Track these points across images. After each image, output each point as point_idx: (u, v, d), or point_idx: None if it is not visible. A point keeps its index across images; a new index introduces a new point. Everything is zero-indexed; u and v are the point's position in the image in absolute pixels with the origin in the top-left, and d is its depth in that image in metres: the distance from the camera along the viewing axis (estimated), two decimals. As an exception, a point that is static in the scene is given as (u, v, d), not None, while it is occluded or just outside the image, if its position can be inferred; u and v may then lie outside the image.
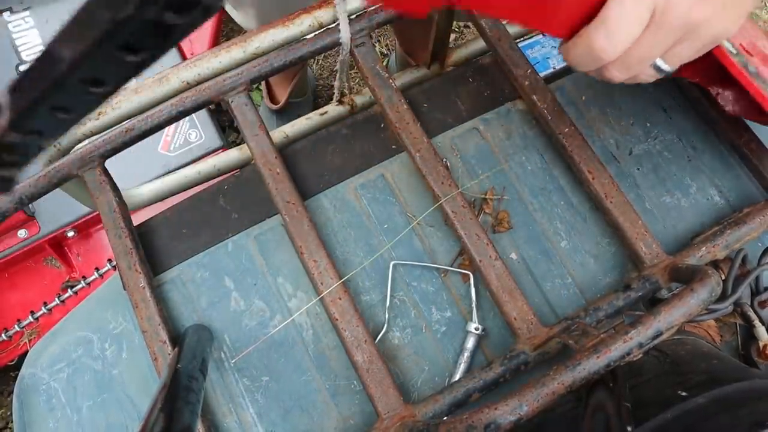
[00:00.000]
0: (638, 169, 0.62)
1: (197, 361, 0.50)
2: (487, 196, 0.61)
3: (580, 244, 0.60)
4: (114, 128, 0.58)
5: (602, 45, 0.37)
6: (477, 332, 0.56)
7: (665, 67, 0.40)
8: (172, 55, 1.15)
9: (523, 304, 0.53)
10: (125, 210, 0.59)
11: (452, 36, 1.00)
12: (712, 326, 0.61)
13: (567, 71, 0.66)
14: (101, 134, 0.58)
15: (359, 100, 0.77)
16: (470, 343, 0.56)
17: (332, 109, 0.77)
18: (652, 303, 0.57)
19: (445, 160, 0.60)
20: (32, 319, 1.12)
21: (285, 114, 1.43)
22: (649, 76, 0.41)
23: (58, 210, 1.16)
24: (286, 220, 0.56)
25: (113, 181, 0.59)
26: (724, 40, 0.40)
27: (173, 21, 0.17)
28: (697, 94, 0.63)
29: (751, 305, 0.59)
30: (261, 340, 0.56)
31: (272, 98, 1.44)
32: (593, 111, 0.64)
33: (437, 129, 0.64)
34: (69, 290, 1.13)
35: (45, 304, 1.13)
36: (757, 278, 0.58)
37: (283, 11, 0.61)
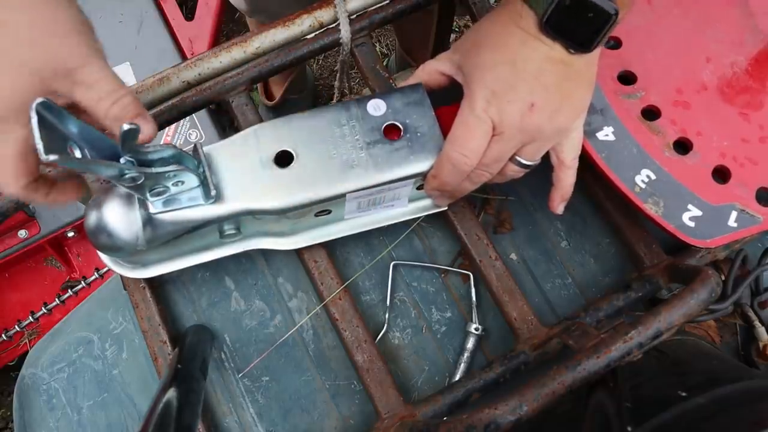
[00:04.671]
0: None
1: (197, 361, 0.50)
2: (489, 196, 0.61)
3: (580, 244, 0.60)
4: (114, 128, 0.58)
5: (458, 157, 0.45)
6: (477, 332, 0.56)
7: (527, 162, 0.47)
8: (172, 55, 1.15)
9: (523, 305, 0.53)
10: (125, 210, 0.59)
11: (452, 36, 1.00)
12: (712, 326, 0.61)
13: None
14: (101, 134, 0.58)
15: (359, 100, 0.77)
16: (470, 343, 0.56)
17: (332, 109, 0.77)
18: (652, 303, 0.57)
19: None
20: (32, 319, 1.11)
21: (281, 111, 1.42)
22: (515, 171, 0.48)
23: (58, 210, 1.16)
24: (287, 220, 0.56)
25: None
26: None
27: None
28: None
29: (751, 305, 0.59)
30: (267, 351, 0.56)
31: (268, 95, 1.43)
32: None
33: (437, 129, 0.63)
34: (69, 290, 1.13)
35: (45, 304, 1.12)
36: (757, 278, 0.58)
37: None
